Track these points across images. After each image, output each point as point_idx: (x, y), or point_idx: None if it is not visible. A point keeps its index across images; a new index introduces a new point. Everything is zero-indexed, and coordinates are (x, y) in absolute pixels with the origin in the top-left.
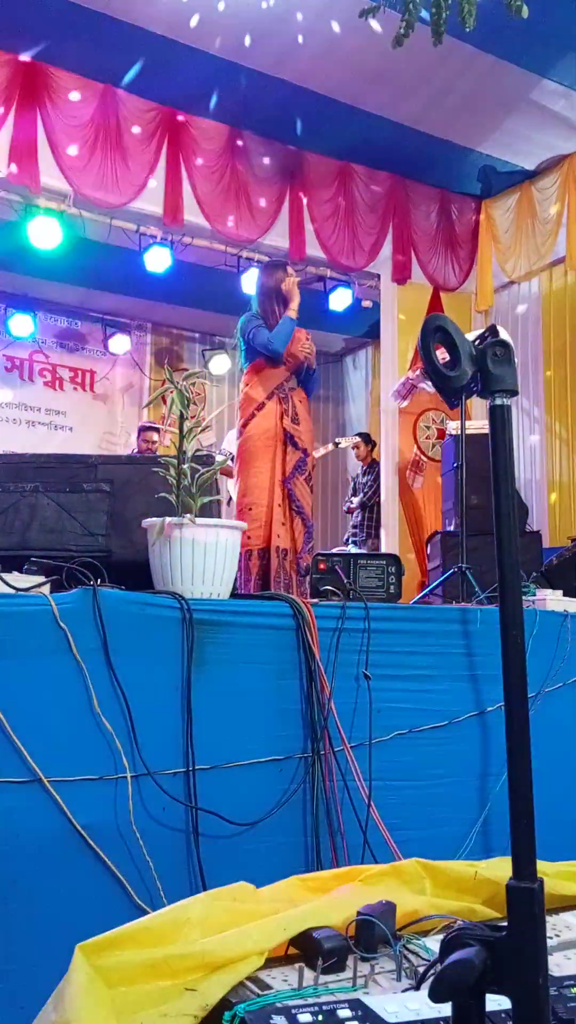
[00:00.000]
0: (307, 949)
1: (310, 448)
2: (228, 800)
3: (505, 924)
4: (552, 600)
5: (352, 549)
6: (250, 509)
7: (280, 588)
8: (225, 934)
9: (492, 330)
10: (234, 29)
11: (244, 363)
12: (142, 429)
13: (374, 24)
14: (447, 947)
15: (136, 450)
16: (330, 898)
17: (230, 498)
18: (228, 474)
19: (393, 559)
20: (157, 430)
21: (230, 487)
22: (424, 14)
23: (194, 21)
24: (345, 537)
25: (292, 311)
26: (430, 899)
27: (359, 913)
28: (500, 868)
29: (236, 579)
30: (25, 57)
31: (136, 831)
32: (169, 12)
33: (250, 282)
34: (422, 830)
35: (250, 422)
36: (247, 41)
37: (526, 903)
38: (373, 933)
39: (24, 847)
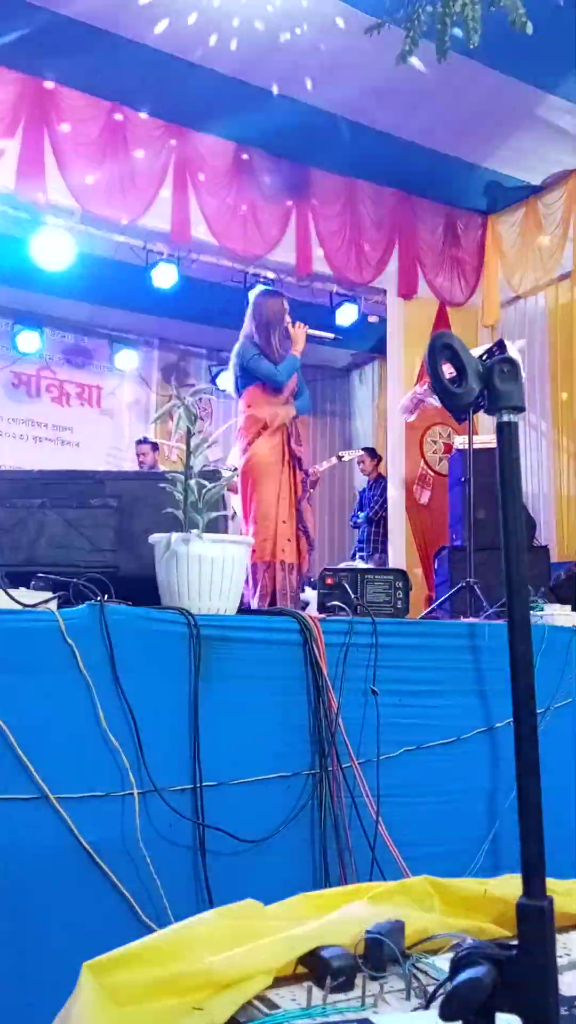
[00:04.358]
0: (315, 968)
1: (306, 467)
2: (235, 817)
3: (515, 943)
4: (560, 615)
5: (359, 564)
6: (256, 523)
7: (287, 602)
8: (233, 952)
9: (499, 345)
10: (240, 47)
11: (241, 387)
12: (136, 443)
13: (379, 40)
14: (457, 966)
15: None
16: (338, 916)
17: (234, 513)
18: (234, 490)
19: (400, 574)
20: (148, 443)
21: (235, 503)
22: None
23: (203, 40)
24: (351, 552)
25: (297, 352)
26: (439, 917)
27: (368, 931)
28: (510, 886)
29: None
30: (33, 76)
31: (143, 848)
32: (175, 31)
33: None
34: (431, 847)
35: (256, 441)
36: (253, 59)
37: (536, 921)
38: (382, 952)
39: (30, 864)
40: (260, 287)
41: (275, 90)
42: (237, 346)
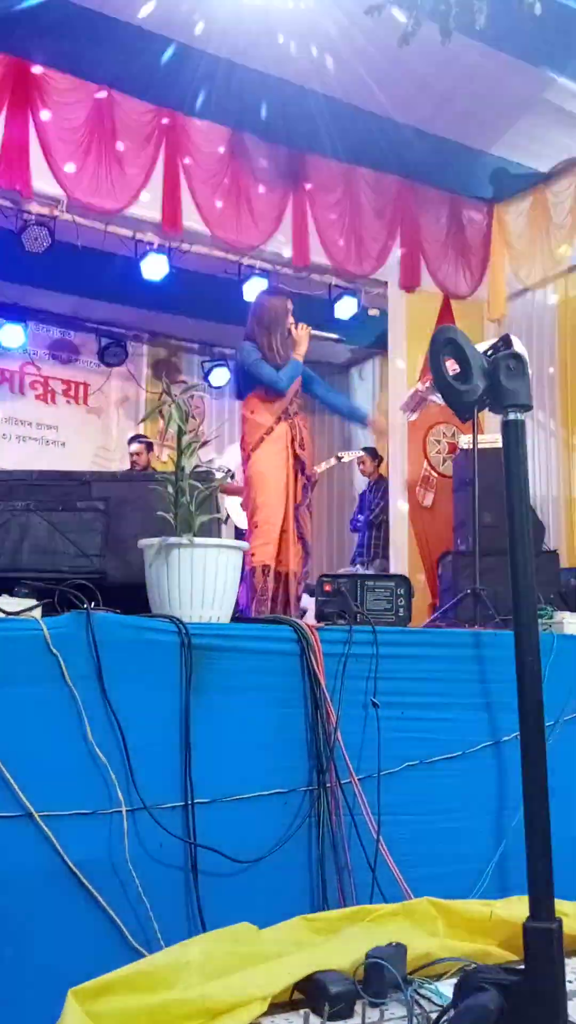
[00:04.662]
0: (313, 994)
1: (309, 471)
2: (229, 836)
3: (522, 967)
4: (570, 623)
5: (359, 570)
6: (257, 527)
7: (290, 612)
8: (226, 978)
9: (505, 340)
10: (234, 28)
11: (244, 390)
12: (129, 442)
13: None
14: (461, 991)
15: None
16: (337, 939)
17: (227, 516)
18: (227, 492)
19: (402, 580)
20: (141, 441)
21: (229, 505)
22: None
23: (195, 23)
24: (351, 557)
25: (299, 355)
26: (443, 940)
27: (368, 955)
28: (517, 908)
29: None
30: (16, 57)
31: (132, 869)
32: (166, 10)
33: (251, 292)
34: (434, 867)
35: (260, 446)
36: (248, 40)
37: (544, 944)
38: (383, 977)
39: (13, 885)
40: (256, 279)
41: (271, 73)
42: (239, 348)
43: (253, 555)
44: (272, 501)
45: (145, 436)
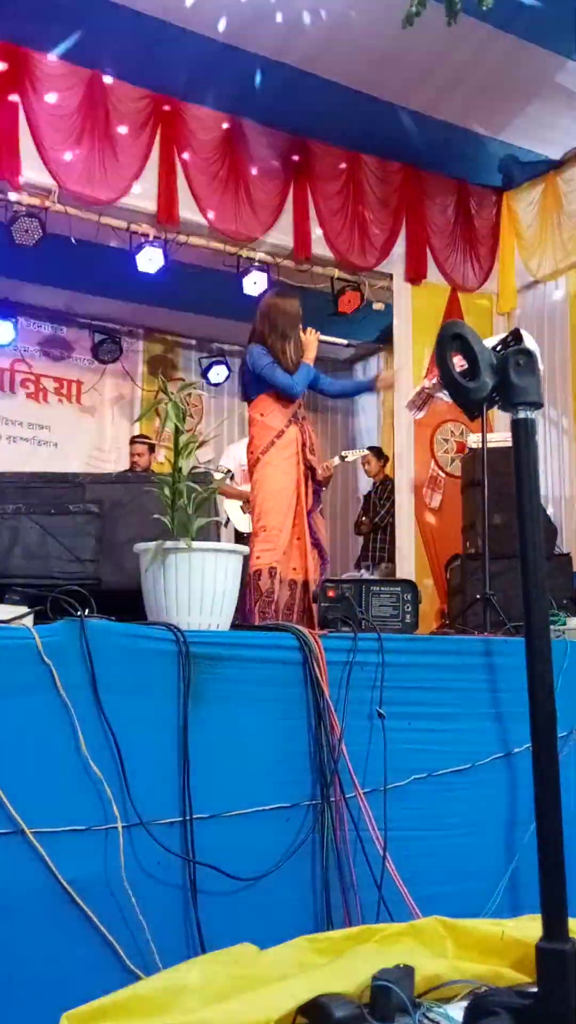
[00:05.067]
0: (317, 1018)
1: (320, 477)
2: (229, 852)
3: (535, 990)
4: None
5: (364, 574)
6: (264, 530)
7: (304, 622)
8: (226, 1003)
9: (515, 335)
10: (233, 9)
11: (252, 394)
12: (131, 442)
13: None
14: (472, 1015)
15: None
16: (342, 961)
17: (227, 519)
18: (226, 494)
19: (409, 585)
20: (144, 442)
21: (228, 508)
22: None
23: (190, 4)
24: (356, 561)
25: (310, 360)
26: (452, 962)
27: (374, 978)
28: (530, 927)
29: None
30: (3, 41)
31: (128, 887)
32: None
33: (251, 286)
34: (443, 885)
35: (270, 450)
36: (246, 22)
37: (558, 966)
38: (390, 1000)
39: (4, 905)
40: (256, 272)
41: (271, 56)
42: (248, 351)
43: (258, 558)
44: (280, 506)
45: (147, 437)
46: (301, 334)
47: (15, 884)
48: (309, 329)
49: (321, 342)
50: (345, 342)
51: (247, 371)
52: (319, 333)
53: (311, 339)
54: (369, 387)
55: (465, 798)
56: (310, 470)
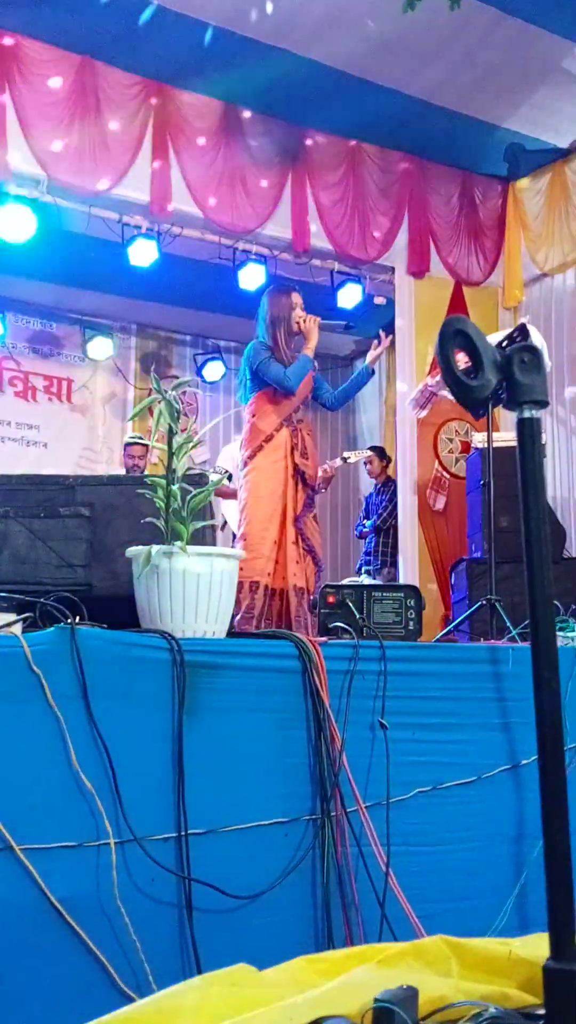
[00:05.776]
0: None
1: (313, 481)
2: (226, 869)
3: (543, 1011)
4: None
5: (365, 580)
6: (244, 539)
7: (300, 630)
8: None
9: (522, 330)
10: None
11: (249, 393)
12: (127, 444)
13: None
14: None
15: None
16: (343, 982)
17: (224, 522)
18: (223, 495)
19: (412, 591)
20: (142, 445)
21: (225, 510)
22: None
23: None
24: (357, 566)
25: (309, 350)
26: (458, 982)
27: (376, 1000)
28: (538, 946)
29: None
30: None
31: (121, 905)
32: None
33: (247, 280)
34: (448, 902)
35: (258, 454)
36: (242, 6)
37: (565, 986)
38: (392, 1023)
39: None
40: (252, 265)
41: (269, 42)
42: (248, 348)
43: (241, 569)
44: (261, 515)
45: (143, 439)
46: (301, 324)
47: (3, 903)
48: (309, 316)
49: (324, 331)
50: (343, 323)
51: (245, 369)
52: (319, 319)
53: (311, 327)
54: (368, 374)
55: (471, 812)
56: (300, 475)
